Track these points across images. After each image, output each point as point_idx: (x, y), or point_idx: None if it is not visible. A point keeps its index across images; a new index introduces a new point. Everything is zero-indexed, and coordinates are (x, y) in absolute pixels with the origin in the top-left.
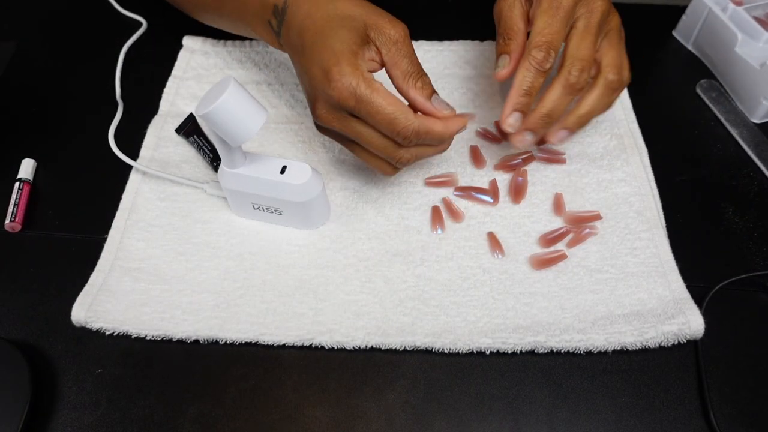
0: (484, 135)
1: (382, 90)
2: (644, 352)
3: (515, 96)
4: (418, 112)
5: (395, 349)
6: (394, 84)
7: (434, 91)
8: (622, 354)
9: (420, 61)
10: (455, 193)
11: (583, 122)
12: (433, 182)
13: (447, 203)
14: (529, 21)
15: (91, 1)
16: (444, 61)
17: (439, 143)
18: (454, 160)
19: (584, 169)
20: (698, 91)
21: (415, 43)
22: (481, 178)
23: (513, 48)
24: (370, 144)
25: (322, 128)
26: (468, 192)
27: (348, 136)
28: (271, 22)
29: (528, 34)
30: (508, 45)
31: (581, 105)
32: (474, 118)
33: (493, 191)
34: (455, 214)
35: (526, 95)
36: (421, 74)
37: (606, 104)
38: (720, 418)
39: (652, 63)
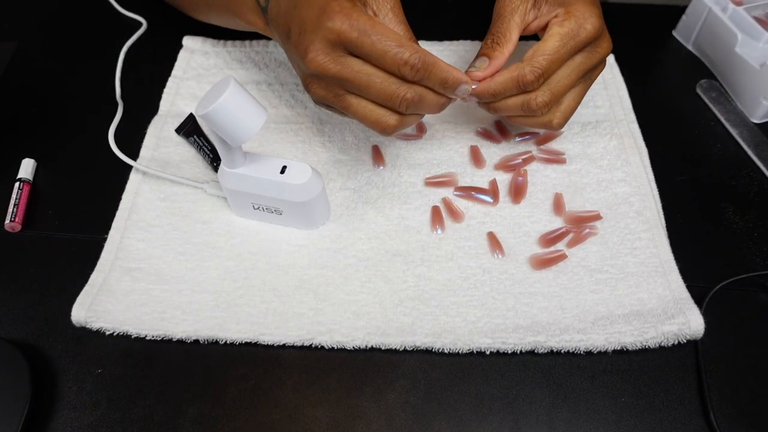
0: (485, 135)
1: (383, 23)
2: (644, 352)
3: (482, 91)
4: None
5: (395, 349)
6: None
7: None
8: (622, 354)
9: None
10: (455, 193)
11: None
12: (433, 182)
13: (447, 203)
14: (525, 29)
15: (91, 1)
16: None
17: (442, 87)
18: (454, 160)
19: (584, 169)
20: (698, 91)
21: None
22: (481, 178)
23: (497, 55)
24: (371, 85)
25: (314, 82)
26: (468, 192)
27: (346, 79)
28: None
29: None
30: (494, 50)
31: (518, 119)
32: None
33: (493, 191)
34: (455, 214)
35: (492, 96)
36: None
37: (530, 127)
38: (720, 418)
39: (652, 63)
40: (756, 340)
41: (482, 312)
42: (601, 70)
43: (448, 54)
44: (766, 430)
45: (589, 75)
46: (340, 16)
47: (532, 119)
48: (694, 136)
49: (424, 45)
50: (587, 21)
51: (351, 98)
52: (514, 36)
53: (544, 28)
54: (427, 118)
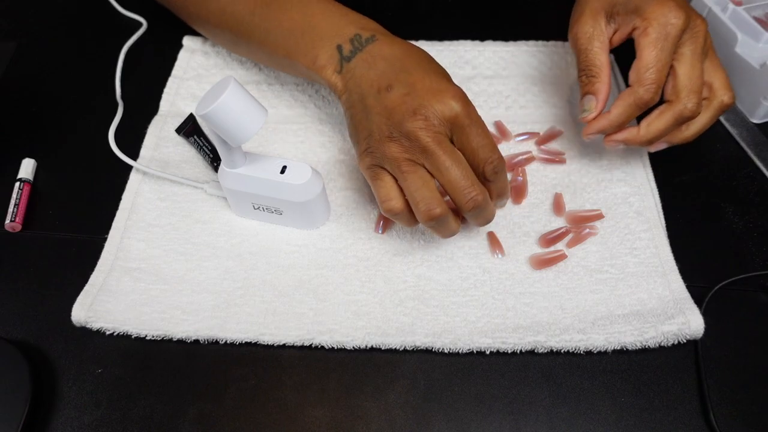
0: None
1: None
2: (644, 352)
3: (606, 124)
4: None
5: (395, 349)
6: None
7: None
8: (622, 354)
9: None
10: None
11: (689, 140)
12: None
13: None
14: (611, 45)
15: (91, 1)
16: (444, 61)
17: (502, 197)
18: None
19: (584, 169)
20: None
21: (415, 43)
22: None
23: (599, 88)
24: (452, 170)
25: (396, 141)
26: None
27: (435, 154)
28: (341, 47)
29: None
30: (593, 84)
31: (692, 126)
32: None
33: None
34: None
35: (619, 127)
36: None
37: (713, 122)
38: (720, 418)
39: None
40: (756, 340)
41: (482, 312)
42: (709, 36)
43: (447, 54)
44: (766, 430)
45: (706, 50)
46: (463, 100)
47: (704, 117)
48: None
49: (424, 45)
50: (669, 17)
51: (421, 170)
52: (604, 59)
53: (627, 36)
54: None
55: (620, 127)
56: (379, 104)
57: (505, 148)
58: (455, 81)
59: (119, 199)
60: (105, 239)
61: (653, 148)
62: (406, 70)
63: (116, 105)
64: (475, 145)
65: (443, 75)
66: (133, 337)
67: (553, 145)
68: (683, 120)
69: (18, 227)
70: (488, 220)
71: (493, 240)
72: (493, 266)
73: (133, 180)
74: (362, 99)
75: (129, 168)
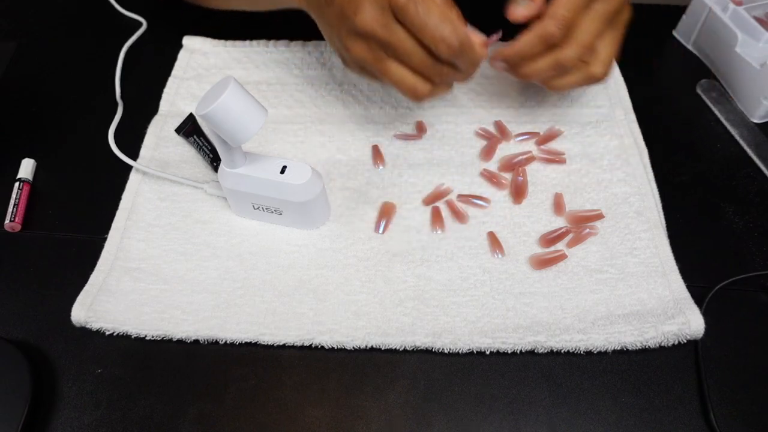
0: (485, 135)
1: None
2: (644, 352)
3: (512, 53)
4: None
5: (395, 349)
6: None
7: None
8: (622, 354)
9: None
10: (458, 198)
11: (553, 90)
12: (431, 198)
13: (450, 205)
14: None
15: (91, 1)
16: None
17: (470, 67)
18: (454, 160)
19: (584, 169)
20: (698, 91)
21: None
22: (478, 177)
23: None
24: (413, 54)
25: (358, 42)
26: (468, 198)
27: (390, 44)
28: None
29: None
30: None
31: (559, 80)
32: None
33: (494, 181)
34: (459, 216)
35: (520, 58)
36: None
37: (577, 87)
38: (720, 418)
39: (652, 63)
40: (756, 340)
41: (482, 312)
42: (628, 16)
43: None
44: (766, 430)
45: (615, 21)
46: (373, 4)
47: (572, 77)
48: (694, 136)
49: None
50: None
51: (390, 63)
52: None
53: None
54: (428, 118)
55: (523, 58)
56: (331, 13)
57: (505, 148)
58: None
59: (119, 199)
60: (105, 239)
61: (527, 77)
62: None
63: (116, 105)
64: (418, 24)
65: None
66: (133, 337)
67: (553, 145)
68: (556, 63)
69: (18, 227)
70: (470, 77)
71: (493, 240)
72: (493, 266)
73: (133, 180)
74: (319, 12)
75: (129, 168)
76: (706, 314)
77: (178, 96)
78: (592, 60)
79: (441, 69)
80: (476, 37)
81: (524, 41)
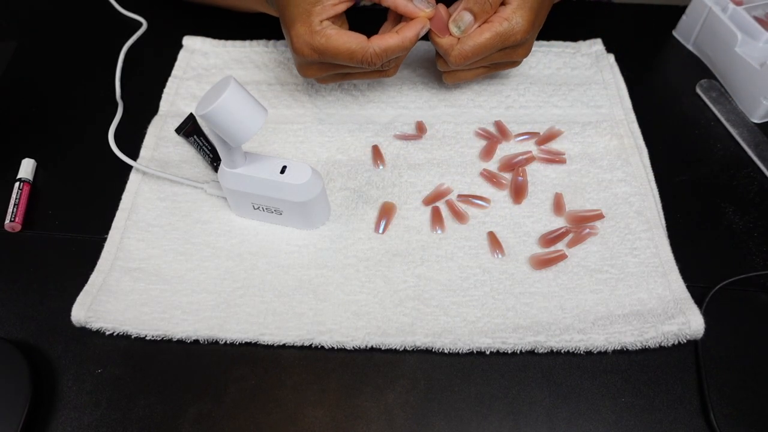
0: (484, 135)
1: (335, 34)
2: (644, 352)
3: (468, 55)
4: (373, 36)
5: (395, 349)
6: (382, 4)
7: None
8: (622, 354)
9: (420, 60)
10: (458, 198)
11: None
12: (431, 199)
13: (450, 205)
14: None
15: (91, 1)
16: None
17: (405, 51)
18: (454, 160)
19: (584, 169)
20: (698, 91)
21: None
22: (477, 177)
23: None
24: (354, 72)
25: (314, 73)
26: (467, 198)
27: (335, 74)
28: None
29: None
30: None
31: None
32: (430, 13)
33: (493, 182)
34: (459, 216)
35: (482, 56)
36: None
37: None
38: (720, 418)
39: (652, 63)
40: (756, 340)
41: (482, 312)
42: (520, 57)
43: None
44: (766, 430)
45: (496, 66)
46: (298, 46)
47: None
48: (694, 136)
49: (425, 45)
50: (520, 28)
51: (351, 75)
52: None
53: None
54: (428, 119)
55: (483, 56)
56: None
57: (505, 148)
58: None
59: (119, 199)
60: (105, 239)
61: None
62: (281, 16)
63: (116, 105)
64: (341, 62)
65: (291, 18)
66: (133, 337)
67: (553, 145)
68: (448, 57)
69: (18, 227)
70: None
71: (493, 240)
72: (493, 266)
73: (133, 180)
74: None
75: (129, 168)
76: (706, 314)
77: (178, 96)
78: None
79: (385, 63)
80: (424, 9)
81: (485, 39)
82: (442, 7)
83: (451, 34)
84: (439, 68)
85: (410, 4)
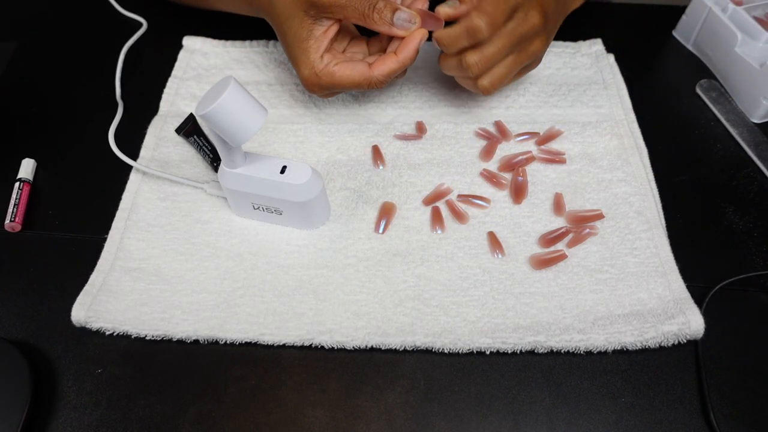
0: (484, 135)
1: (338, 71)
2: (644, 352)
3: (436, 37)
4: (374, 63)
5: (395, 349)
6: (359, 25)
7: (393, 9)
8: (622, 354)
9: (420, 60)
10: (458, 198)
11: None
12: (431, 199)
13: (450, 205)
14: None
15: (91, 1)
16: None
17: (406, 67)
18: (454, 160)
19: (584, 169)
20: (698, 91)
21: None
22: (477, 177)
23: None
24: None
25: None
26: (467, 198)
27: (340, 92)
28: None
29: None
30: None
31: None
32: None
33: (493, 182)
34: (460, 216)
35: (441, 46)
36: (371, 3)
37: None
38: (720, 418)
39: (652, 63)
40: (756, 340)
41: (482, 312)
42: (538, 48)
43: None
44: (766, 430)
45: (522, 46)
46: (306, 83)
47: (468, 79)
48: (694, 136)
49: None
50: None
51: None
52: None
53: None
54: (428, 119)
55: (443, 46)
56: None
57: (506, 148)
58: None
59: (119, 199)
60: (105, 239)
61: (441, 67)
62: (281, 35)
63: (116, 105)
64: (348, 91)
65: (294, 55)
66: (133, 337)
67: (553, 145)
68: (460, 63)
69: (18, 227)
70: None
71: (493, 240)
72: (493, 266)
73: (133, 180)
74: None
75: (129, 168)
76: (706, 314)
77: (178, 96)
78: (485, 74)
79: (389, 80)
80: (407, 29)
81: (450, 30)
82: (421, 6)
83: (446, 19)
84: (446, 72)
85: (394, 28)
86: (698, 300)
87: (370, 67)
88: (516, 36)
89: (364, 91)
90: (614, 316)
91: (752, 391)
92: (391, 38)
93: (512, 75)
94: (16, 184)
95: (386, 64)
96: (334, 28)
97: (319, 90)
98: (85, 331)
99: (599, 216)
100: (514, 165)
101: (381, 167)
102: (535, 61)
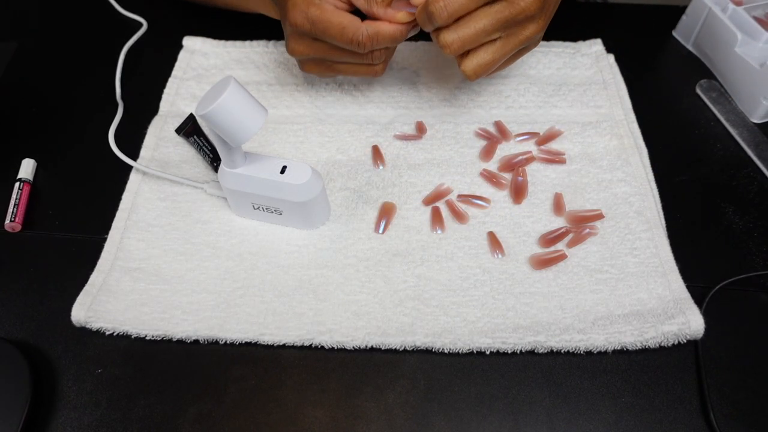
0: (484, 135)
1: (331, 9)
2: (644, 352)
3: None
4: (367, 20)
5: (395, 349)
6: (359, 8)
7: None
8: (622, 354)
9: (420, 60)
10: (458, 198)
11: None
12: (430, 199)
13: (450, 205)
14: None
15: (91, 2)
16: (444, 61)
17: (396, 42)
18: (454, 160)
19: (584, 169)
20: (698, 91)
21: (414, 44)
22: (477, 177)
23: None
24: (341, 58)
25: (304, 62)
26: (468, 198)
27: (319, 57)
28: None
29: None
30: None
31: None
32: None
33: (493, 181)
34: (460, 216)
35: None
36: None
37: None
38: (720, 418)
39: (652, 63)
40: (756, 340)
41: (482, 312)
42: (532, 33)
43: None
44: (766, 430)
45: (511, 30)
46: (293, 13)
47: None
48: (694, 136)
49: (424, 45)
50: None
51: (338, 66)
52: None
53: None
54: (428, 119)
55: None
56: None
57: (506, 148)
58: (455, 80)
59: (119, 199)
60: (105, 239)
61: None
62: None
63: (116, 105)
64: (330, 39)
65: None
66: (132, 337)
67: (553, 145)
68: (438, 42)
69: (18, 227)
70: (402, 36)
71: (493, 240)
72: (493, 266)
73: (133, 180)
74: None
75: (129, 168)
76: (706, 314)
77: (178, 96)
78: (469, 56)
79: (374, 54)
80: (405, 15)
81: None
82: None
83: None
84: (446, 56)
85: (389, 10)
86: (698, 300)
87: (362, 22)
88: (501, 19)
89: (342, 71)
90: (614, 316)
91: (752, 391)
92: None
93: (501, 61)
94: (16, 184)
95: (378, 24)
96: None
97: (302, 20)
98: (85, 331)
99: (599, 216)
100: (514, 165)
101: (381, 167)
102: (531, 44)
